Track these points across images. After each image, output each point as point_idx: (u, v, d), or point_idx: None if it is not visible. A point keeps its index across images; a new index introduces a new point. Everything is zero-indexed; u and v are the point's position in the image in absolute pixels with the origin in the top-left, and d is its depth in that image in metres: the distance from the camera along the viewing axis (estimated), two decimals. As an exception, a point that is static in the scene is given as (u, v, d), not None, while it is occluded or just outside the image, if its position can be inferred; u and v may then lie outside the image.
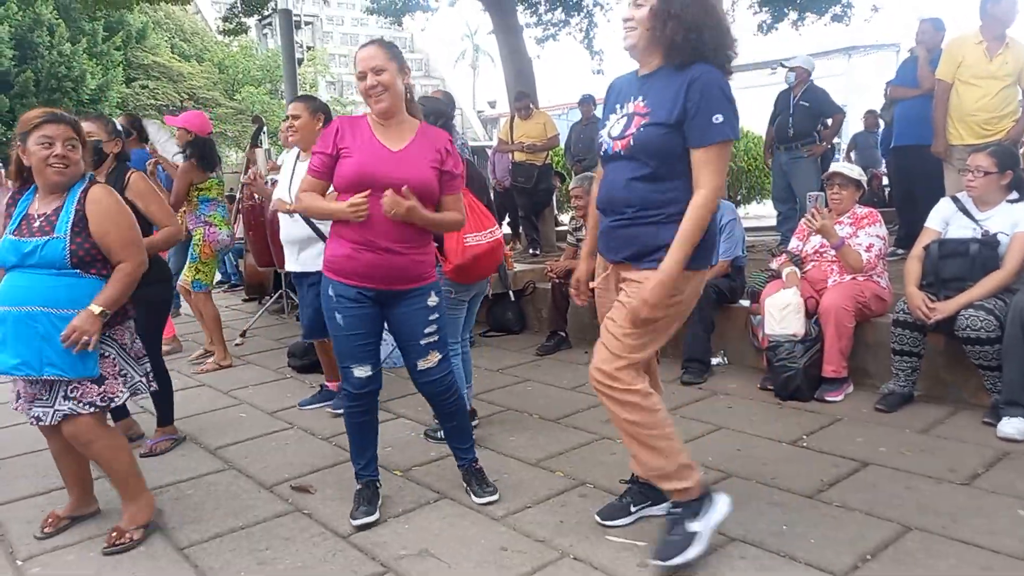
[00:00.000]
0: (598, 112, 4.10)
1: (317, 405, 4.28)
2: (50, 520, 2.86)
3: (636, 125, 2.32)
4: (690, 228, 2.23)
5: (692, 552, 2.34)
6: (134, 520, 2.74)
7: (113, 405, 2.68)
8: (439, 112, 3.52)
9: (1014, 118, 4.86)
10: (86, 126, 3.40)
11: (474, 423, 3.69)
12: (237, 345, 5.93)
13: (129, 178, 3.44)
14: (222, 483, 3.25)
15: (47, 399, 2.61)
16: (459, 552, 2.56)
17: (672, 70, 2.29)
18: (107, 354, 2.67)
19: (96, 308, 2.54)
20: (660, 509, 2.64)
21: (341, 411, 4.00)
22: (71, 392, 2.59)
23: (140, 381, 2.77)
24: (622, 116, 2.40)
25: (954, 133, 5.04)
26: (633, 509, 2.69)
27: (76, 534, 2.83)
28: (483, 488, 2.96)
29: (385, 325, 2.83)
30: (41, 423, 2.65)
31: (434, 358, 2.82)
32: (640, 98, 2.35)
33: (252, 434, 3.89)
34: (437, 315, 2.81)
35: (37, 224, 2.60)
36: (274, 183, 5.83)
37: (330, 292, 2.73)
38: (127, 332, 2.76)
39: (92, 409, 2.61)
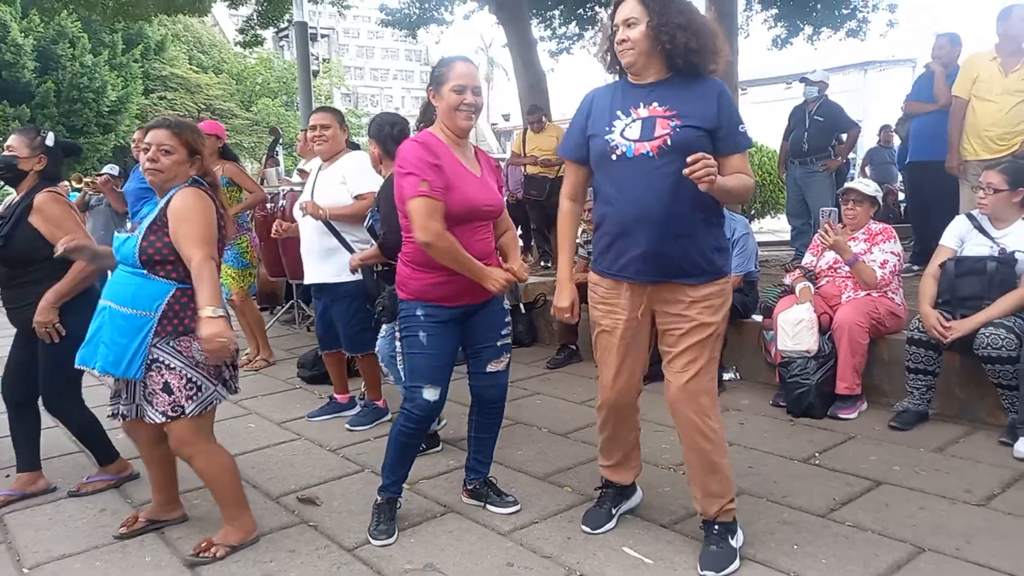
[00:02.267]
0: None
1: (325, 417, 4.27)
2: (129, 520, 2.91)
3: (664, 127, 2.33)
4: (741, 183, 2.38)
5: (735, 565, 2.45)
6: (226, 537, 2.71)
7: (185, 416, 2.57)
8: (393, 121, 3.62)
9: None
10: (10, 140, 3.30)
11: (438, 448, 3.66)
12: (247, 355, 5.93)
13: (35, 199, 3.15)
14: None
15: (127, 397, 2.72)
16: (465, 567, 2.54)
17: (686, 78, 2.38)
18: (172, 366, 2.57)
19: (210, 311, 2.44)
20: (631, 503, 2.87)
21: (356, 427, 4.02)
22: (148, 396, 2.60)
23: (216, 391, 2.66)
24: (633, 120, 2.39)
25: (968, 149, 5.01)
26: (614, 512, 2.78)
27: (83, 542, 2.83)
28: (503, 499, 2.97)
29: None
30: (126, 419, 2.75)
31: (505, 360, 2.89)
32: (655, 103, 2.37)
33: (260, 444, 3.89)
34: (509, 318, 2.91)
35: (136, 223, 2.70)
36: (287, 195, 5.88)
37: (418, 312, 2.68)
38: (195, 343, 2.57)
39: (163, 419, 2.57)
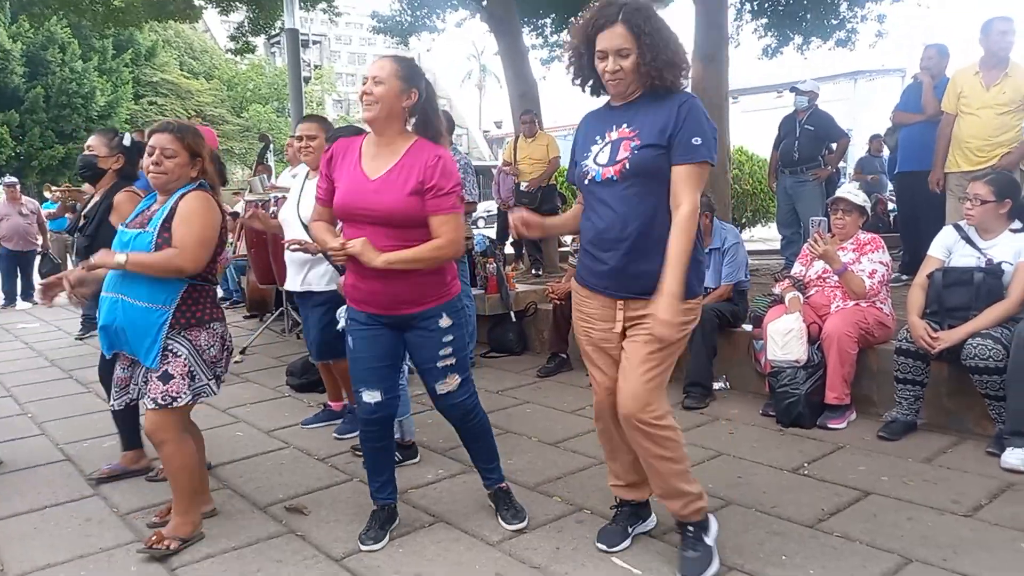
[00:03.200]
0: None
1: (319, 425, 4.25)
2: (161, 512, 3.03)
3: (626, 149, 2.36)
4: (683, 241, 2.27)
5: (715, 566, 2.46)
6: (177, 530, 2.79)
7: (175, 405, 2.71)
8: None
9: (1010, 146, 4.86)
10: (90, 140, 3.55)
11: (416, 460, 3.63)
12: (236, 363, 5.90)
13: (114, 199, 3.35)
14: (216, 502, 3.20)
15: (133, 387, 2.87)
16: (453, 578, 2.52)
17: (654, 97, 2.38)
18: (179, 353, 2.72)
19: (121, 254, 2.64)
20: (646, 526, 2.78)
21: (344, 435, 4.01)
22: (142, 381, 2.78)
23: (207, 384, 2.80)
24: (605, 144, 2.43)
25: (951, 161, 5.11)
26: (630, 530, 2.73)
27: (69, 551, 2.80)
28: (512, 513, 2.91)
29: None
30: (131, 403, 2.91)
31: (453, 381, 2.75)
32: (624, 125, 2.40)
33: (248, 453, 3.86)
34: (451, 336, 2.72)
35: (143, 219, 2.80)
36: (278, 200, 5.86)
37: (349, 316, 2.76)
38: (203, 334, 2.78)
39: (153, 406, 2.70)
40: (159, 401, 2.69)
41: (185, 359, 2.73)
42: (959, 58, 5.78)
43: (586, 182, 2.46)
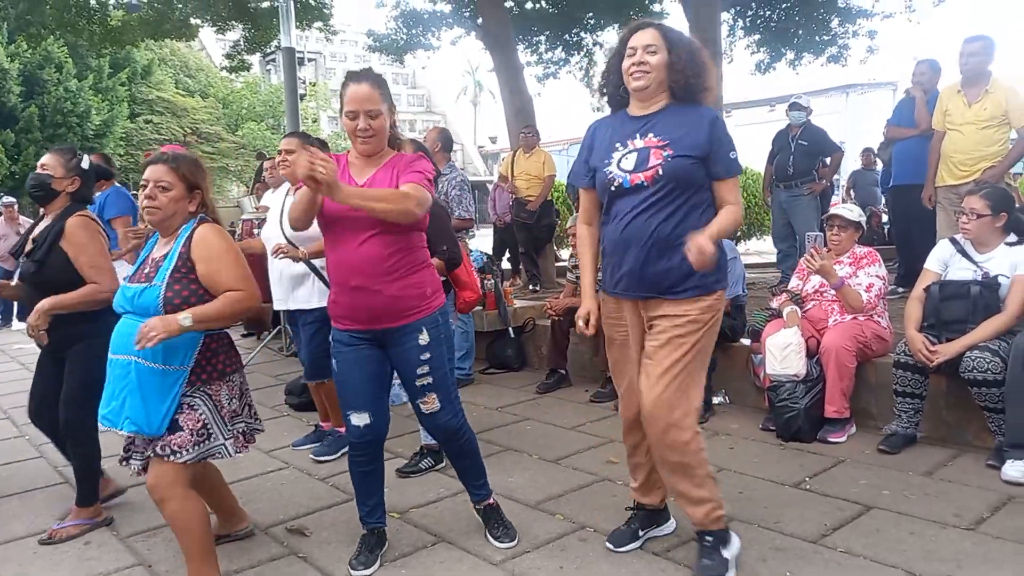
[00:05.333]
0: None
1: (310, 446, 4.22)
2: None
3: (657, 157, 2.44)
4: (728, 219, 2.46)
5: None
6: None
7: (174, 460, 2.43)
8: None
9: (994, 160, 4.92)
10: (44, 158, 3.28)
11: (443, 463, 3.68)
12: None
13: (66, 223, 3.11)
14: (216, 523, 3.20)
15: (140, 444, 2.55)
16: (457, 598, 2.52)
17: (679, 108, 2.51)
18: (196, 407, 2.48)
19: (183, 315, 2.36)
20: (663, 530, 2.86)
21: (323, 457, 3.99)
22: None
23: (222, 445, 2.53)
24: (630, 151, 2.52)
25: (939, 175, 5.20)
26: (641, 533, 2.79)
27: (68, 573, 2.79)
28: (501, 531, 2.89)
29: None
30: (145, 471, 2.55)
31: (432, 400, 2.70)
32: (650, 134, 2.50)
33: (248, 473, 3.84)
34: (428, 354, 2.64)
35: (147, 270, 2.55)
36: (261, 223, 5.85)
37: (331, 338, 2.74)
38: (224, 388, 2.56)
39: (153, 455, 2.45)
40: (157, 451, 2.43)
41: (201, 414, 2.48)
42: (950, 72, 5.85)
43: (612, 188, 2.53)
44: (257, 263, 5.70)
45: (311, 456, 4.04)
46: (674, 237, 2.44)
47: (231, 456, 2.58)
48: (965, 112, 4.98)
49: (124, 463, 2.63)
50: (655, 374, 2.47)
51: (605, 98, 2.69)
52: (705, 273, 2.44)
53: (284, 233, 3.89)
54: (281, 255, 3.81)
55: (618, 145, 2.55)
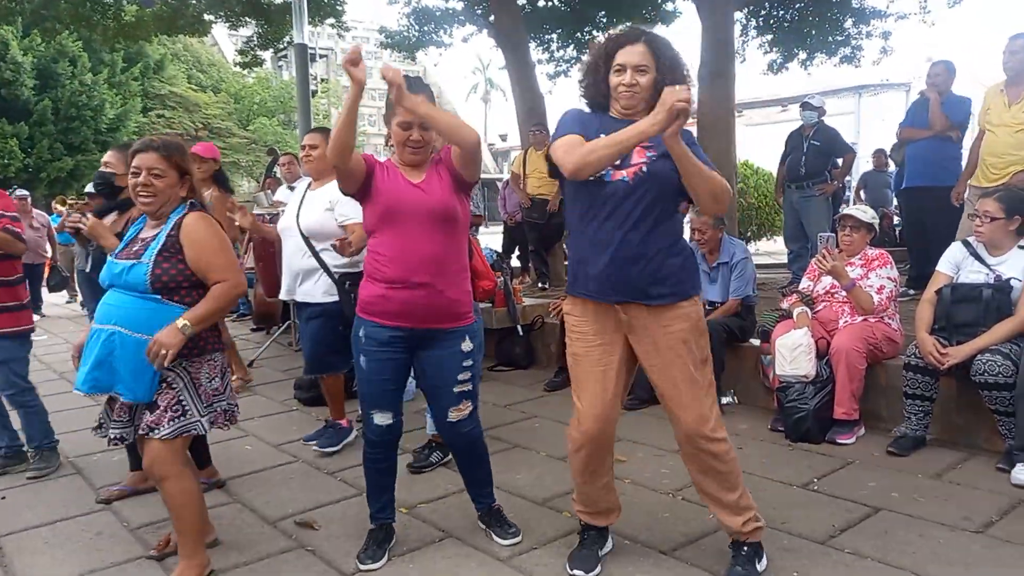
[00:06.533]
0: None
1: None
2: (161, 543, 2.88)
3: (641, 155, 2.41)
4: (705, 168, 2.34)
5: None
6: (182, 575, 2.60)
7: (152, 436, 2.49)
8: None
9: None
10: (107, 156, 3.42)
11: (447, 458, 3.69)
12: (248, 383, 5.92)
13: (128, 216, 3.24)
14: (226, 517, 3.22)
15: (126, 420, 2.62)
16: (464, 594, 2.52)
17: None
18: (174, 385, 2.54)
19: (181, 322, 2.46)
20: (608, 547, 2.74)
21: (327, 449, 4.02)
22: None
23: (198, 422, 2.57)
24: None
25: (975, 175, 5.05)
26: (600, 553, 2.70)
27: (77, 565, 2.81)
28: (506, 529, 2.91)
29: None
30: (125, 442, 2.67)
31: (466, 408, 2.75)
32: None
33: (257, 467, 3.87)
34: (471, 362, 2.71)
35: (136, 248, 2.61)
36: (274, 219, 5.86)
37: (360, 333, 2.70)
38: (205, 367, 2.62)
39: (142, 433, 2.53)
40: (140, 431, 2.53)
41: (178, 391, 2.54)
42: (962, 75, 5.80)
43: (592, 178, 2.41)
44: (270, 257, 5.71)
45: (315, 448, 4.07)
46: (650, 240, 2.40)
47: (206, 432, 2.68)
48: (1003, 113, 4.84)
49: (96, 432, 2.72)
50: (685, 389, 2.44)
51: (583, 97, 2.61)
52: (680, 279, 2.43)
53: (300, 227, 3.92)
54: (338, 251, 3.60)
55: (603, 137, 2.46)
